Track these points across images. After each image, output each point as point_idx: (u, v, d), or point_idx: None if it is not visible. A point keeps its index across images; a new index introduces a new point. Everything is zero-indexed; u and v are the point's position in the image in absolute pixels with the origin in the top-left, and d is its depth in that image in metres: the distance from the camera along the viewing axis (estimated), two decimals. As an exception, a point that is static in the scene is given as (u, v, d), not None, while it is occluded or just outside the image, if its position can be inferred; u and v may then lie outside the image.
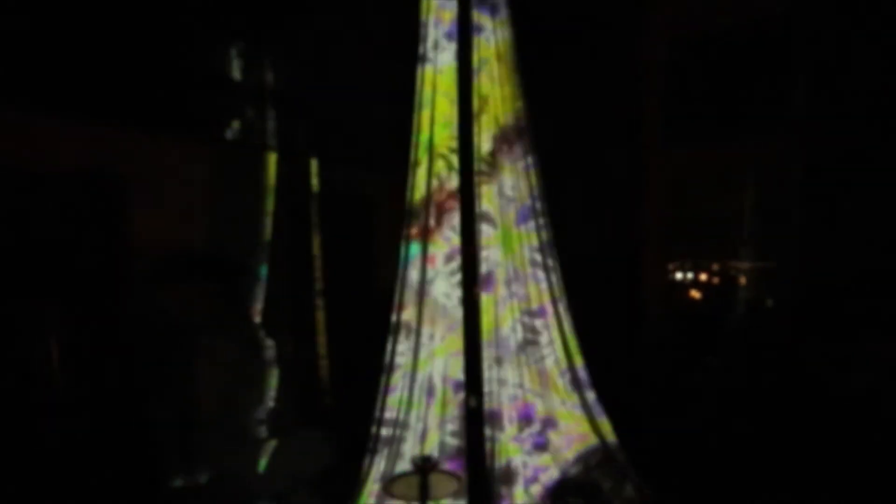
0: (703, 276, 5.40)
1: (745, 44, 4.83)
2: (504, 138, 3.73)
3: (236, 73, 4.27)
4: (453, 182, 3.57)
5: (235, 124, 4.26)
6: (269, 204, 4.34)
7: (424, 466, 2.76)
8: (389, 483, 3.02)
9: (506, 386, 3.58)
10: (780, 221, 4.73)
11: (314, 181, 4.66)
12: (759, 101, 4.78)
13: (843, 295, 4.21)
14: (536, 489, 3.53)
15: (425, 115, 3.68)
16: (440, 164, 3.65)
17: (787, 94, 4.65)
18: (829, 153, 4.45)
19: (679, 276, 5.44)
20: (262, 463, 3.90)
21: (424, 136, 3.68)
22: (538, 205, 3.84)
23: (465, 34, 3.42)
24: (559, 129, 4.57)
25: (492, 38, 3.67)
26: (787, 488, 3.55)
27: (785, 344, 4.46)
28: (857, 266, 4.23)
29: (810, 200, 4.53)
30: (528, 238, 3.79)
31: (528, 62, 3.89)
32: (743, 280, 5.15)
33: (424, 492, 2.74)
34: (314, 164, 4.65)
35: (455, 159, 3.50)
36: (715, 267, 5.36)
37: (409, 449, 3.50)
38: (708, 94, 5.04)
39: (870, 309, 4.10)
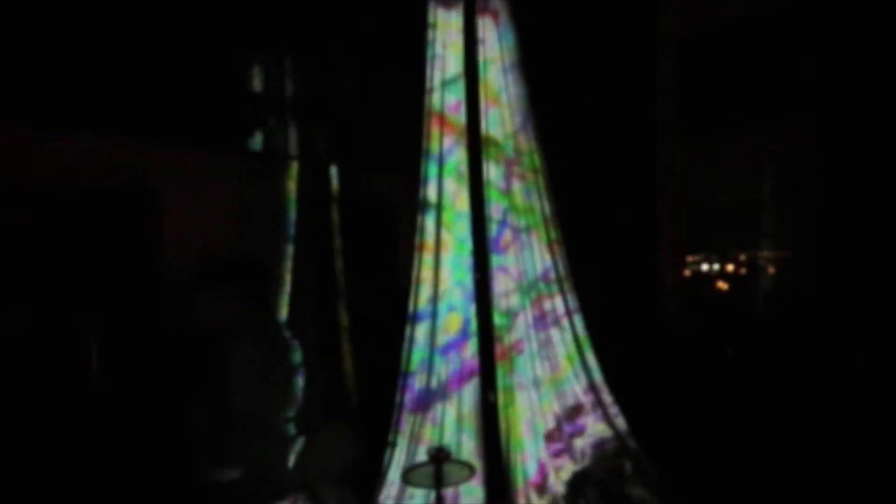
0: (719, 268, 5.40)
1: (757, 34, 4.82)
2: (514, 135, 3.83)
3: (258, 85, 4.45)
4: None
5: (258, 134, 4.45)
6: (292, 210, 4.51)
7: (438, 456, 2.89)
8: (407, 473, 3.15)
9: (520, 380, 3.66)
10: (795, 210, 4.72)
11: (334, 186, 4.82)
12: (773, 91, 4.76)
13: (860, 282, 4.18)
14: (553, 480, 3.61)
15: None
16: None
17: (800, 82, 4.63)
18: (844, 140, 4.43)
19: (696, 269, 5.45)
20: (291, 459, 4.04)
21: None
22: (548, 205, 3.94)
23: (470, 41, 3.53)
24: (571, 124, 4.63)
25: (496, 42, 3.73)
26: (803, 482, 3.55)
27: (799, 333, 4.43)
28: (875, 253, 4.19)
29: (824, 188, 4.51)
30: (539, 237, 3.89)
31: (536, 61, 3.96)
32: (763, 270, 5.14)
33: (439, 480, 2.87)
34: (334, 170, 4.82)
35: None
36: (732, 259, 5.35)
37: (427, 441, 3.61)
38: (722, 86, 5.05)
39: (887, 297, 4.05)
